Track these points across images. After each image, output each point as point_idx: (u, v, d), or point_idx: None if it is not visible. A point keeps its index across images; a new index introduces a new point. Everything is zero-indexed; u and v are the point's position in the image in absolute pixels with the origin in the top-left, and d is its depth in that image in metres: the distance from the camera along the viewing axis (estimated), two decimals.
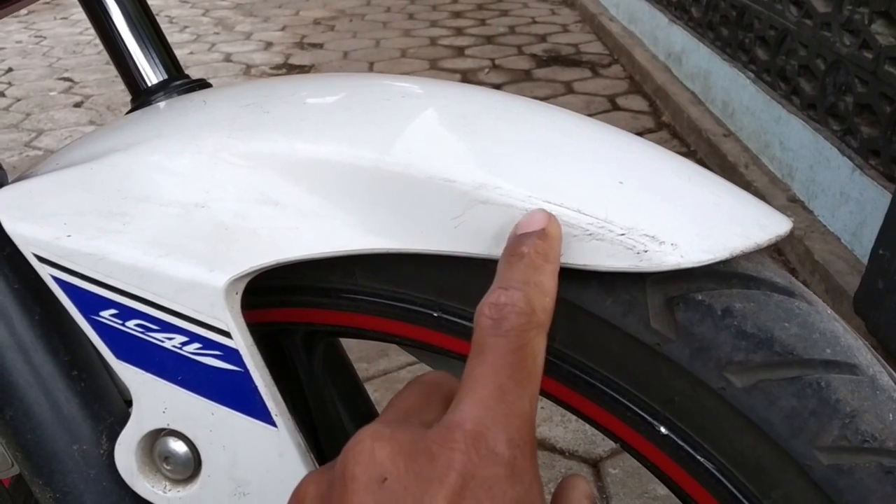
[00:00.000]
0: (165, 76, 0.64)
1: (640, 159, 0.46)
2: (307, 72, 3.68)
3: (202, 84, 0.64)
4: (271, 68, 3.80)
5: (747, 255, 0.44)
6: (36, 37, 4.48)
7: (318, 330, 0.54)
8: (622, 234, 0.42)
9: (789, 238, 2.13)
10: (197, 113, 0.49)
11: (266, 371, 0.47)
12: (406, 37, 4.29)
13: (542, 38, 4.15)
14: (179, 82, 0.63)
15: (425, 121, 0.46)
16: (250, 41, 4.32)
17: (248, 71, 3.75)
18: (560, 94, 3.30)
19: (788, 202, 2.25)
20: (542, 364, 0.39)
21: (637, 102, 3.22)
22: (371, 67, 3.75)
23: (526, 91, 3.33)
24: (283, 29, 4.56)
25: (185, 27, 4.65)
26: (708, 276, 0.44)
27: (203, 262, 0.45)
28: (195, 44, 4.29)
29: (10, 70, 3.90)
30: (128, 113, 0.62)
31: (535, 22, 4.51)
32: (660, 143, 2.80)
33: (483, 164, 0.44)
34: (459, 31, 4.34)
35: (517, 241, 0.41)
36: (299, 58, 3.96)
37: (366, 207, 0.45)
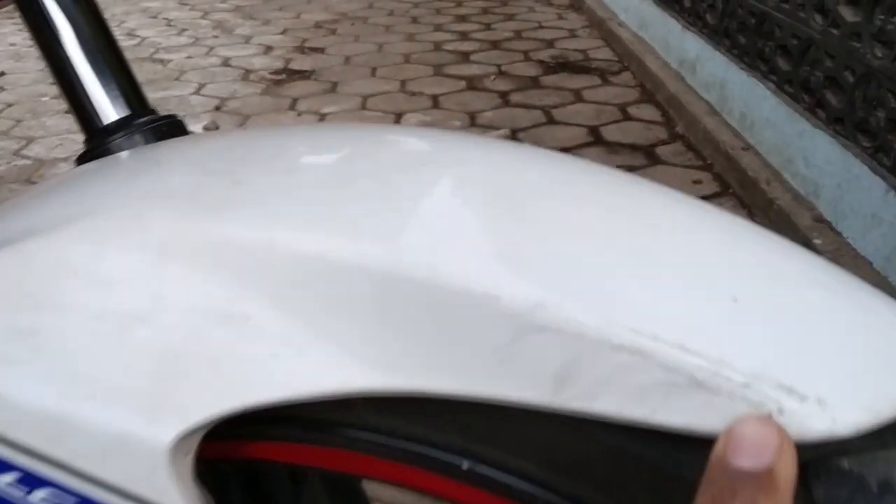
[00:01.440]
0: (127, 112, 0.51)
1: (755, 259, 0.33)
2: (309, 79, 3.55)
3: (171, 123, 0.51)
4: (271, 73, 3.65)
5: None
6: (31, 39, 4.35)
7: (307, 471, 0.41)
8: (745, 386, 0.29)
9: None
10: (147, 178, 0.36)
11: None
12: (409, 41, 4.14)
13: (550, 44, 4.01)
14: (144, 120, 0.51)
15: (458, 203, 0.33)
16: (249, 45, 4.17)
17: (246, 76, 3.61)
18: (569, 103, 3.16)
19: (814, 222, 2.12)
20: None
21: (649, 112, 3.08)
22: (374, 73, 3.60)
23: (534, 100, 3.19)
24: (283, 32, 4.41)
25: (184, 30, 4.50)
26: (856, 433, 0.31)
27: (142, 408, 0.32)
28: (193, 47, 4.13)
29: (2, 74, 3.76)
30: (78, 161, 0.49)
31: (541, 27, 4.37)
32: (674, 156, 2.68)
33: (539, 271, 0.31)
34: (464, 36, 4.19)
35: (725, 484, 0.26)
36: (300, 62, 3.81)
37: (372, 329, 0.31)
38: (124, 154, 0.44)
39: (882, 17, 1.92)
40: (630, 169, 2.57)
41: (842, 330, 0.31)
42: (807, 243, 2.06)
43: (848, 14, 2.07)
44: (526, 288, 0.30)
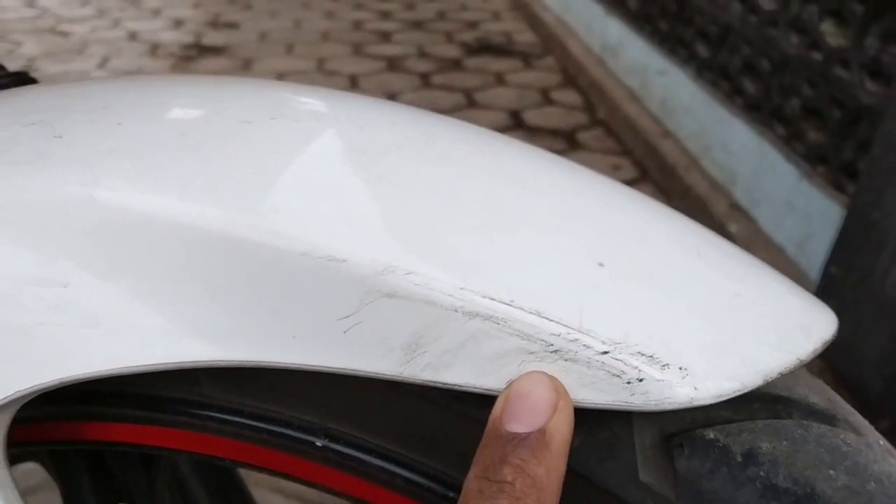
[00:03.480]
0: None
1: (626, 223, 0.31)
2: (221, 56, 3.44)
3: (20, 79, 0.47)
4: (181, 48, 3.52)
5: None
6: None
7: (157, 454, 0.38)
8: (605, 353, 0.27)
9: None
10: None
11: None
12: (328, 19, 4.04)
13: (473, 26, 3.98)
14: None
15: (306, 160, 0.30)
16: (159, 18, 4.00)
17: (154, 51, 3.46)
18: (490, 87, 3.14)
19: (730, 209, 2.15)
20: None
21: (571, 97, 3.09)
22: (290, 50, 3.50)
23: (455, 82, 3.16)
24: (195, 6, 4.25)
25: (88, 1, 4.29)
26: (721, 402, 0.29)
27: None
28: (98, 20, 3.93)
29: None
30: None
31: (465, 8, 4.33)
32: (594, 141, 2.69)
33: (391, 234, 0.28)
34: (385, 15, 4.13)
35: (497, 451, 0.26)
36: (212, 38, 3.67)
37: (205, 297, 0.28)
38: None
39: (798, 4, 1.95)
40: None
41: (710, 297, 0.29)
42: (722, 230, 2.08)
43: (765, 1, 2.10)
44: (374, 251, 0.27)
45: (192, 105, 0.33)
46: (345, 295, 0.27)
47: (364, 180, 0.30)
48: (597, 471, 0.29)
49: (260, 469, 0.34)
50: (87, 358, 0.28)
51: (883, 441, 0.33)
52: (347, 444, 0.32)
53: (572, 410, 0.27)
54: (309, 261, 0.27)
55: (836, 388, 1.63)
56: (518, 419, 0.26)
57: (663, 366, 0.27)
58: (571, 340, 0.27)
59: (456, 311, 0.27)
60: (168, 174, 0.29)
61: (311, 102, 0.34)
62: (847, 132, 1.74)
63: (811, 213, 1.85)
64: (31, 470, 0.44)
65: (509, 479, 0.25)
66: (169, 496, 0.43)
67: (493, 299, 0.27)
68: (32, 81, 0.47)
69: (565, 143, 2.67)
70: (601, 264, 0.29)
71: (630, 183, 2.41)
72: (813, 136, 1.88)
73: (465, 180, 0.30)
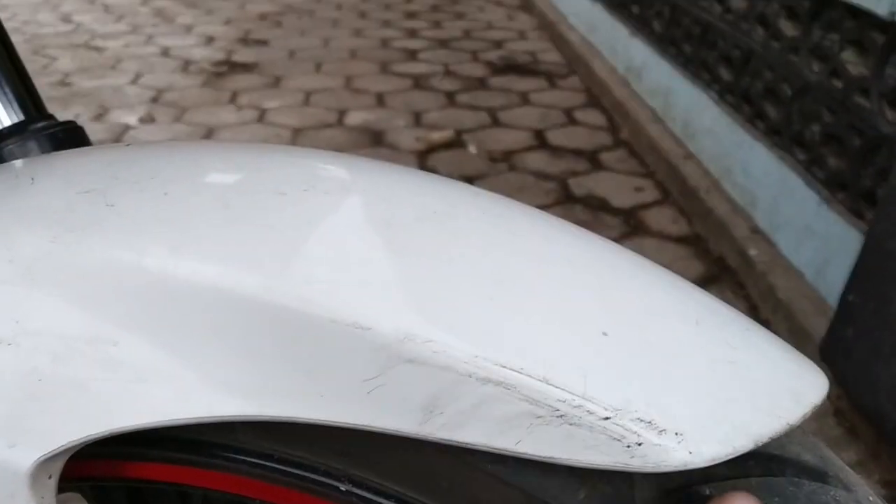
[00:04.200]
0: (21, 117, 0.50)
1: (630, 293, 0.34)
2: (252, 72, 3.50)
3: (69, 129, 0.50)
4: (211, 64, 3.58)
5: None
6: None
7: (192, 492, 0.41)
8: (606, 419, 0.29)
9: (751, 271, 2.04)
10: (19, 197, 0.35)
11: None
12: (357, 37, 4.10)
13: (498, 45, 4.01)
14: (40, 126, 0.49)
15: (336, 231, 0.33)
16: (191, 35, 4.08)
17: (186, 67, 3.53)
18: (515, 105, 3.17)
19: (751, 233, 2.15)
20: None
21: (594, 117, 3.11)
22: (318, 68, 3.56)
23: (480, 100, 3.19)
24: (226, 23, 4.33)
25: (122, 17, 4.39)
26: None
27: (1, 431, 0.31)
28: (131, 35, 4.02)
29: None
30: None
31: (491, 27, 4.37)
32: (617, 162, 2.71)
33: (412, 304, 0.31)
34: (412, 34, 4.17)
35: None
36: (242, 55, 3.74)
37: (241, 357, 0.31)
38: (5, 166, 0.42)
39: (820, 31, 1.96)
40: (573, 174, 2.59)
41: (706, 367, 0.31)
42: (742, 253, 2.09)
43: (787, 28, 2.11)
44: (395, 320, 0.30)
45: (231, 175, 0.36)
46: (369, 359, 0.30)
47: (387, 252, 0.32)
48: None
49: None
50: (135, 411, 0.31)
51: (872, 497, 0.35)
52: (369, 489, 0.35)
53: None
54: (336, 327, 0.30)
55: (852, 415, 1.63)
56: None
57: (660, 431, 0.29)
58: (576, 406, 0.29)
59: (470, 376, 0.29)
60: (210, 243, 0.32)
61: (341, 173, 0.37)
62: (866, 160, 1.75)
63: (830, 239, 1.85)
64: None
65: None
66: None
67: (504, 367, 0.29)
68: (80, 130, 0.50)
69: (588, 163, 2.69)
70: (605, 334, 0.31)
71: (652, 204, 2.43)
72: (833, 162, 1.89)
73: (480, 253, 0.33)
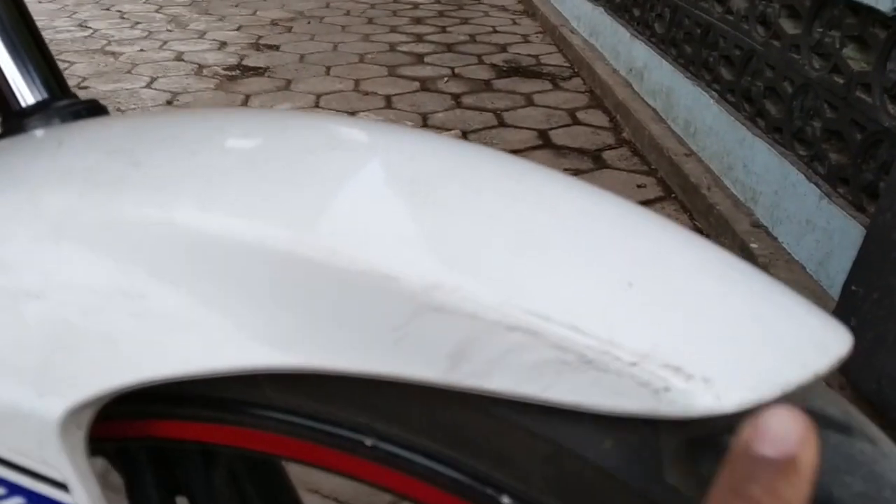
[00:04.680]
0: (46, 95, 0.50)
1: (654, 248, 0.34)
2: (263, 76, 3.51)
3: (91, 107, 0.50)
4: (224, 69, 3.60)
5: None
6: None
7: (218, 450, 0.41)
8: (633, 364, 0.29)
9: (753, 264, 2.04)
10: (47, 158, 0.36)
11: None
12: (365, 41, 4.12)
13: (503, 48, 4.03)
14: (64, 104, 0.50)
15: (362, 186, 0.33)
16: (204, 40, 4.11)
17: (199, 71, 3.55)
18: (520, 106, 3.18)
19: (752, 227, 2.16)
20: None
21: (597, 117, 3.12)
22: (328, 72, 3.57)
23: (486, 102, 3.20)
24: (238, 29, 4.36)
25: (137, 23, 4.42)
26: (742, 412, 0.32)
27: (31, 381, 0.31)
28: (146, 41, 4.06)
29: None
30: None
31: (495, 31, 4.39)
32: (620, 160, 2.71)
33: (439, 254, 0.31)
34: (419, 38, 4.19)
35: (746, 469, 0.26)
36: (254, 59, 3.77)
37: (270, 308, 0.31)
38: (31, 134, 0.43)
39: (820, 30, 1.96)
40: (577, 172, 2.59)
41: (732, 316, 0.32)
42: (744, 248, 2.10)
43: (788, 26, 2.12)
44: (423, 269, 0.30)
45: (257, 136, 0.36)
46: (396, 309, 0.30)
47: (414, 205, 0.33)
48: (626, 472, 0.32)
49: (313, 465, 0.37)
50: (164, 362, 0.31)
51: None
52: (395, 443, 0.35)
53: (817, 446, 0.27)
54: (364, 278, 0.30)
55: (856, 404, 1.63)
56: (771, 444, 0.26)
57: (688, 377, 0.29)
58: (603, 352, 0.29)
59: (497, 324, 0.30)
60: (237, 197, 0.32)
61: (365, 134, 0.37)
62: (868, 154, 1.75)
63: (832, 233, 1.86)
64: None
65: (756, 495, 0.26)
66: (227, 494, 0.46)
67: (531, 314, 0.30)
68: (103, 108, 0.50)
69: (591, 161, 2.70)
70: (630, 284, 0.31)
71: (654, 201, 2.44)
72: (834, 157, 1.90)
73: (506, 206, 0.33)
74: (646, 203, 2.42)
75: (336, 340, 0.31)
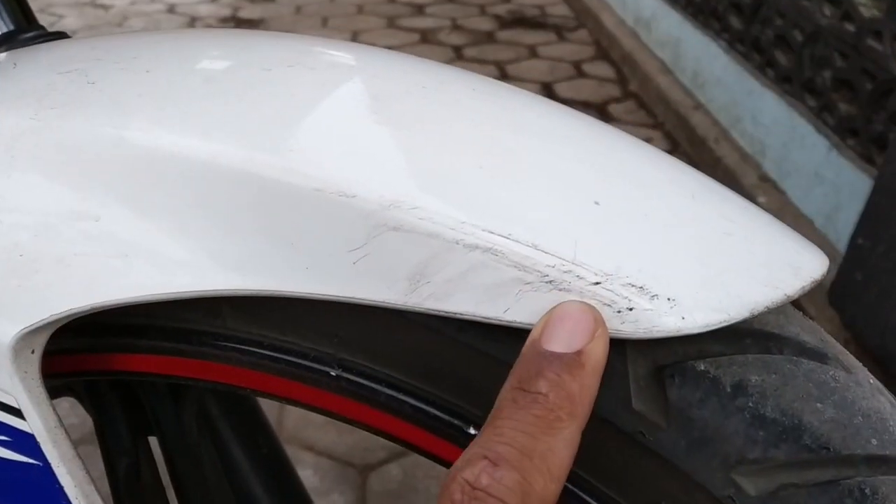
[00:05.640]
0: (12, 27, 0.49)
1: (623, 166, 0.33)
2: (256, 27, 3.46)
3: (59, 38, 0.49)
4: (218, 21, 3.55)
5: None
6: None
7: (184, 385, 0.40)
8: (597, 283, 0.28)
9: None
10: (1, 80, 0.35)
11: (78, 462, 0.33)
12: None
13: None
14: (30, 35, 0.48)
15: (321, 104, 0.32)
16: None
17: (192, 24, 3.50)
18: (523, 59, 3.14)
19: (759, 181, 2.14)
20: None
21: (603, 69, 3.07)
22: (325, 23, 3.52)
23: (488, 54, 3.15)
24: None
25: None
26: (713, 336, 0.31)
27: None
28: None
29: None
30: None
31: None
32: (626, 113, 2.68)
33: (398, 172, 0.30)
34: None
35: (534, 365, 0.27)
36: (248, 11, 3.70)
37: (225, 229, 0.31)
38: None
39: None
40: None
41: (702, 236, 0.31)
42: (751, 201, 2.07)
43: None
44: (381, 187, 0.29)
45: (215, 55, 0.35)
46: (354, 228, 0.29)
47: (374, 123, 0.31)
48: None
49: (278, 398, 0.37)
50: (118, 286, 0.31)
51: (873, 380, 0.35)
52: (359, 374, 0.35)
53: (608, 339, 0.28)
54: (321, 196, 0.29)
55: (861, 358, 1.62)
56: (557, 339, 0.27)
57: (652, 296, 0.28)
58: (565, 272, 0.28)
59: (457, 243, 0.29)
60: (192, 116, 0.31)
61: (328, 52, 0.36)
62: (878, 104, 1.72)
63: (840, 185, 1.84)
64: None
65: (544, 390, 0.27)
66: (197, 430, 0.46)
67: (492, 233, 0.29)
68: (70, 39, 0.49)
69: (596, 115, 2.66)
70: (597, 203, 0.30)
71: None
72: (844, 108, 1.87)
73: (470, 124, 0.32)
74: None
75: (292, 263, 0.30)
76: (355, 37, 3.35)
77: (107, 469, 0.45)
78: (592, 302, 0.28)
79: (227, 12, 3.68)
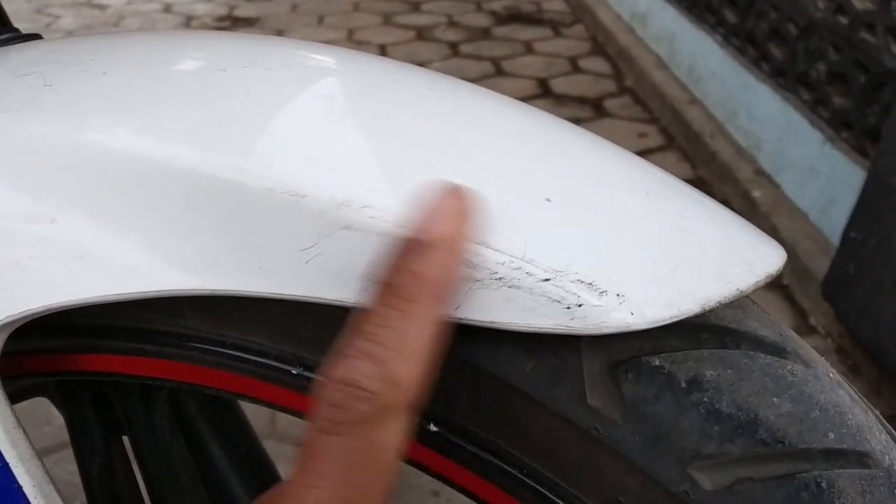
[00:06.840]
0: None
1: (578, 164, 0.33)
2: (254, 26, 3.46)
3: (31, 40, 0.49)
4: (214, 20, 3.55)
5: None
6: None
7: (153, 386, 0.41)
8: (546, 280, 0.28)
9: (755, 213, 2.02)
10: None
11: (37, 462, 0.33)
12: None
13: None
14: (5, 37, 0.49)
15: (275, 104, 0.32)
16: None
17: (188, 23, 3.50)
18: (519, 55, 3.13)
19: (755, 175, 2.13)
20: (396, 458, 0.28)
21: (599, 65, 3.07)
22: (321, 21, 3.52)
23: (484, 50, 3.15)
24: None
25: None
26: (668, 332, 0.31)
27: None
28: None
29: None
30: None
31: None
32: (622, 109, 2.68)
33: (349, 171, 0.30)
34: None
35: (390, 258, 0.28)
36: (244, 9, 3.69)
37: (181, 230, 0.31)
38: None
39: None
40: (577, 122, 2.56)
41: (654, 231, 0.31)
42: (746, 195, 2.08)
43: None
44: (332, 187, 0.29)
45: (172, 56, 0.35)
46: (306, 228, 0.29)
47: (326, 122, 0.31)
48: (547, 395, 0.31)
49: (242, 397, 0.37)
50: (73, 287, 0.31)
51: (833, 374, 0.35)
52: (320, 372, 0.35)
53: (466, 222, 0.29)
54: (273, 196, 0.30)
55: (854, 352, 1.63)
56: (409, 225, 0.28)
57: (601, 292, 0.28)
58: (515, 269, 0.28)
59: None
60: (147, 117, 0.31)
61: (285, 52, 0.36)
62: (872, 97, 1.72)
63: (835, 179, 1.83)
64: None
65: (394, 279, 0.28)
66: (169, 430, 0.46)
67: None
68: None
69: (592, 110, 2.66)
70: (549, 200, 0.30)
71: (656, 150, 2.41)
72: (838, 101, 1.87)
73: (423, 124, 0.32)
74: (647, 152, 2.40)
75: (246, 263, 0.30)
76: (351, 34, 3.34)
77: (80, 468, 0.45)
78: (541, 298, 0.28)
79: (223, 11, 3.67)
